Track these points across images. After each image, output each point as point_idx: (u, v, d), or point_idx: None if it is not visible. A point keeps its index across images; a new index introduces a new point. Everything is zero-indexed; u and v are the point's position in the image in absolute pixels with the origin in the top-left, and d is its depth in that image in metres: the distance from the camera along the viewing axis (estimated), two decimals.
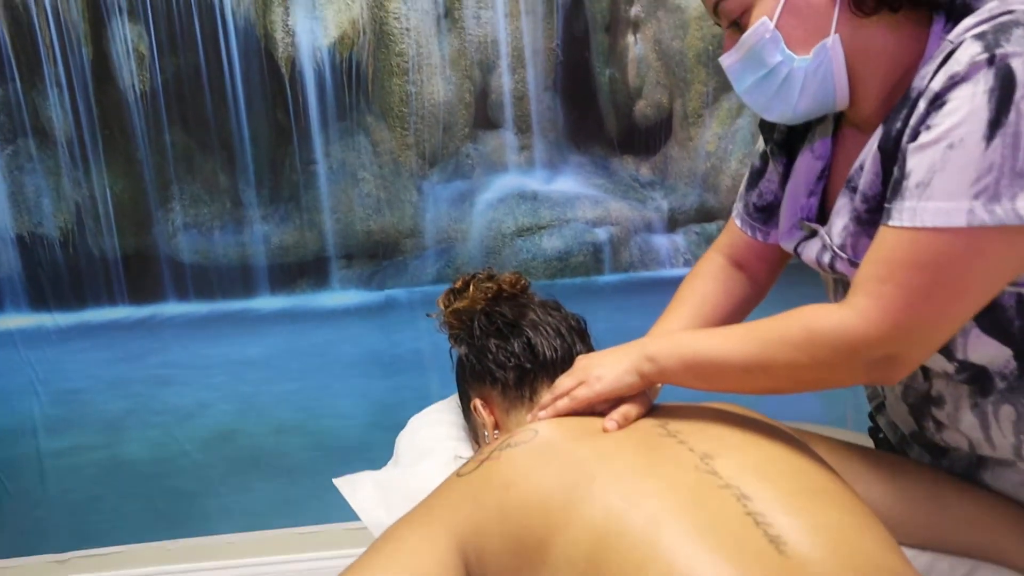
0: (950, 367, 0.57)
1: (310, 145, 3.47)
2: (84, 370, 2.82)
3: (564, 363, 0.66)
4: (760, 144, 0.72)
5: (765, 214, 0.71)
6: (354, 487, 0.69)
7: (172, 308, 3.42)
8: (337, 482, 0.70)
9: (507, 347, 0.68)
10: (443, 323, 0.74)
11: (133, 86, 3.31)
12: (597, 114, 3.78)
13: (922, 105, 0.51)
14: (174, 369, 2.80)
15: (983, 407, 0.57)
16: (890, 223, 0.51)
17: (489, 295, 0.72)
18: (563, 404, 0.61)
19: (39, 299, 3.38)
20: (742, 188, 0.74)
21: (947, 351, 0.57)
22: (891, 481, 0.60)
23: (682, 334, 0.66)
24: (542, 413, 0.62)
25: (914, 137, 0.51)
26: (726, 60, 0.61)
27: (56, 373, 2.75)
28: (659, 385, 0.63)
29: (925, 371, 0.60)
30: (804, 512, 0.47)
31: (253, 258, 3.50)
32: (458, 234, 3.50)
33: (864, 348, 0.51)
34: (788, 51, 0.57)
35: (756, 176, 0.72)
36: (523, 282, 0.75)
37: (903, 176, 0.51)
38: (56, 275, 3.40)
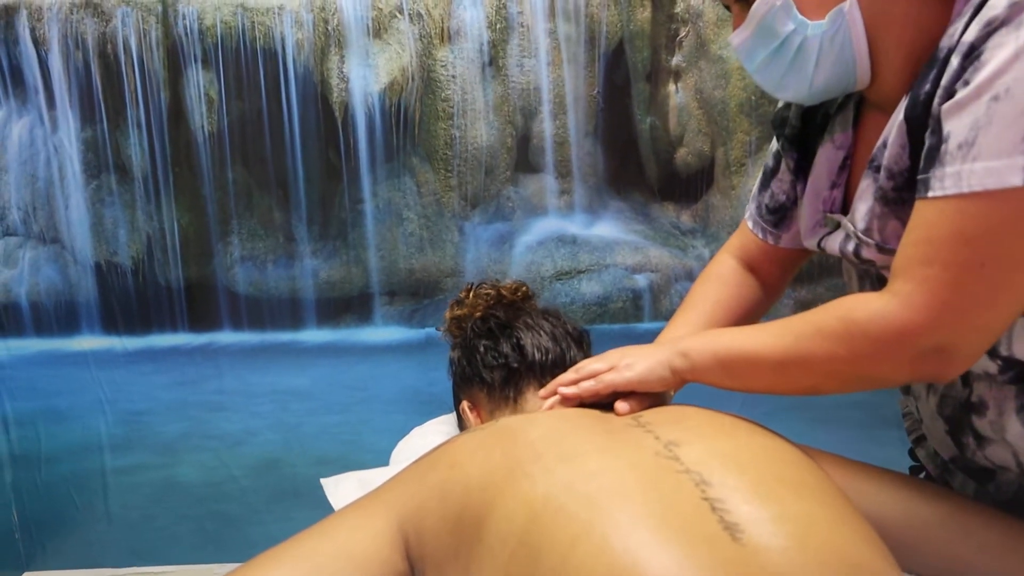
0: (992, 366, 0.50)
1: (359, 185, 3.61)
2: (147, 392, 3.01)
3: (555, 367, 0.63)
4: (774, 144, 0.67)
5: (777, 216, 0.67)
6: (337, 486, 0.68)
7: (227, 337, 3.60)
8: (324, 482, 0.69)
9: (497, 348, 0.65)
10: (446, 332, 0.73)
11: (202, 127, 3.56)
12: (637, 161, 3.78)
13: (955, 61, 0.45)
14: (226, 396, 2.94)
15: None
16: (929, 195, 0.45)
17: (489, 302, 0.70)
18: (588, 385, 0.57)
19: (111, 323, 3.63)
20: (755, 190, 0.70)
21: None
22: (904, 503, 0.53)
23: (717, 331, 0.61)
24: (564, 390, 0.58)
25: (948, 97, 0.45)
26: (736, 39, 0.56)
27: (122, 393, 2.94)
28: (672, 393, 0.60)
29: (964, 375, 0.53)
30: (770, 502, 0.42)
31: (302, 292, 3.65)
32: (497, 275, 3.53)
33: (909, 338, 0.46)
34: (801, 17, 0.52)
35: (768, 176, 0.67)
36: (524, 289, 0.72)
37: (940, 141, 0.45)
38: (126, 301, 3.65)
